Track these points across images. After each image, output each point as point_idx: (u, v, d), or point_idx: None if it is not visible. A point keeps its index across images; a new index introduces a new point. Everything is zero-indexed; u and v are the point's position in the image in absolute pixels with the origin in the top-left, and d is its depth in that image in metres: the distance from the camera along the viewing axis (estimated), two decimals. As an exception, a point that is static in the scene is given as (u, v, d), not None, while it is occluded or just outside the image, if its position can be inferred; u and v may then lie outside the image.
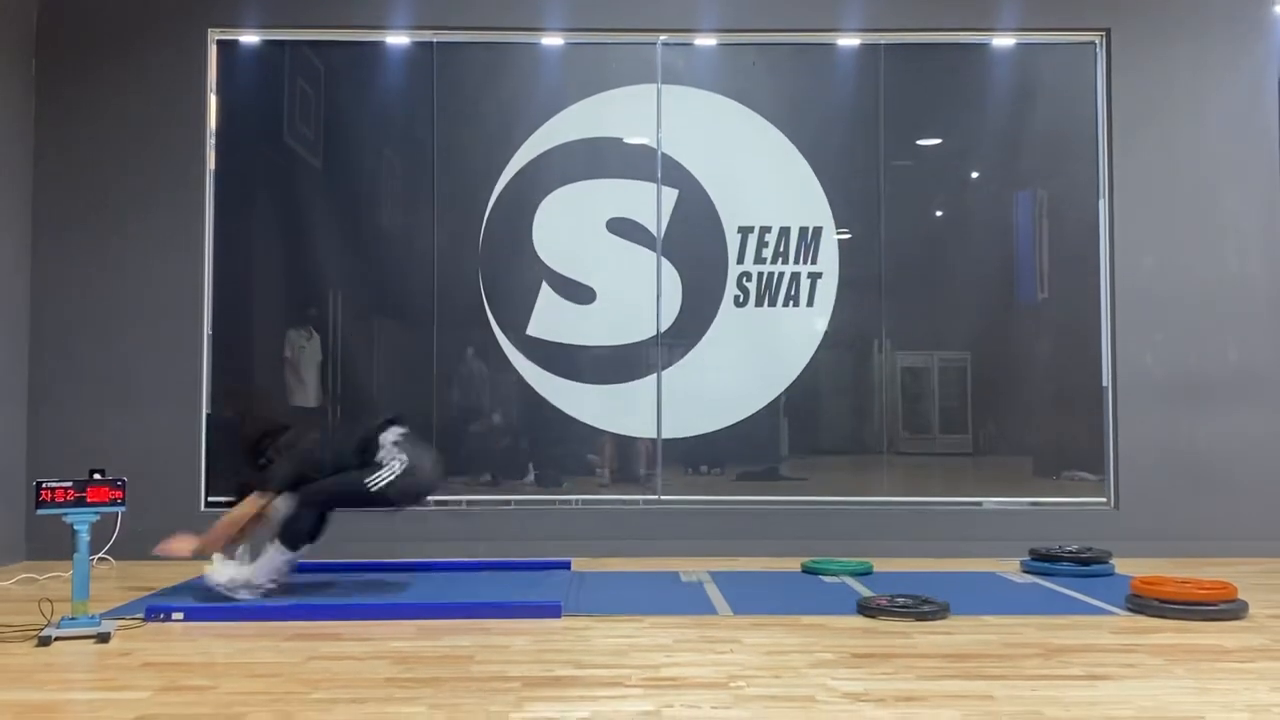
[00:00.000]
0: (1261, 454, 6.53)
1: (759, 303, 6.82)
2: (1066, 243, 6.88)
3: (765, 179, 6.86)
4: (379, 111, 6.82)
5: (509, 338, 6.78)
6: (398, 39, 6.76)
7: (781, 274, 6.82)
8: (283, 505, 4.93)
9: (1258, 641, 4.15)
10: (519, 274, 6.80)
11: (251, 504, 4.91)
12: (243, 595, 4.83)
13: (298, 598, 4.93)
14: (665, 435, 6.77)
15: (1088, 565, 5.71)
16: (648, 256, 6.80)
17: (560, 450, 6.86)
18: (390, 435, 5.09)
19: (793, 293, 6.82)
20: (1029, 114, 6.91)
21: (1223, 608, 4.56)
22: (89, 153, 6.46)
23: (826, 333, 6.82)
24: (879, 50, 6.84)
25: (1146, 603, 4.65)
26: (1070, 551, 5.85)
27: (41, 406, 6.33)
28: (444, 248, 6.78)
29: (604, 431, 6.81)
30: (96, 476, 4.36)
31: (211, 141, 6.64)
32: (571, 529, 6.49)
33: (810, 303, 6.82)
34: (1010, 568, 5.94)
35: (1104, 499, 6.67)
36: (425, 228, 6.79)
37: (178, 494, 6.20)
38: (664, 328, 6.79)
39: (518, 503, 6.73)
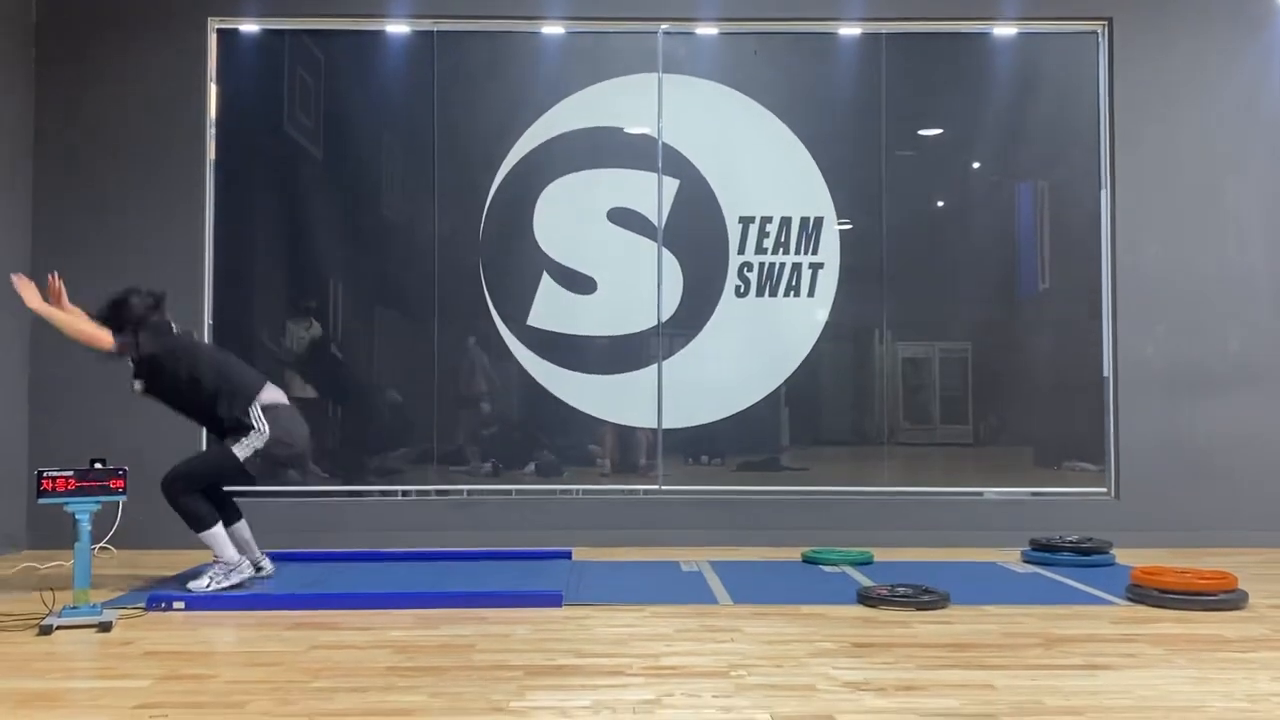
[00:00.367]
0: (1262, 444, 6.54)
1: (760, 293, 6.81)
2: (1068, 233, 6.87)
3: (766, 169, 6.85)
4: (379, 101, 6.81)
5: (510, 328, 6.77)
6: (398, 28, 6.75)
7: (782, 264, 6.81)
8: (136, 382, 4.91)
9: (1258, 631, 4.16)
10: (520, 264, 6.79)
11: (103, 337, 4.77)
12: (235, 578, 4.86)
13: (298, 588, 4.94)
14: (666, 425, 6.77)
15: (1088, 555, 5.71)
16: (648, 246, 6.79)
17: (561, 440, 6.86)
18: (265, 397, 5.00)
19: (794, 283, 6.81)
20: (1031, 104, 6.89)
21: (1223, 598, 4.56)
22: (89, 142, 6.45)
23: (827, 323, 6.81)
24: (880, 40, 6.83)
25: (1147, 592, 4.65)
26: (1071, 541, 5.85)
27: (43, 396, 6.33)
28: (445, 237, 6.77)
29: (605, 421, 6.81)
30: (97, 466, 4.37)
31: (212, 131, 6.63)
32: (572, 519, 6.50)
33: (811, 293, 6.82)
34: (1011, 558, 5.94)
35: (1104, 489, 6.68)
36: (426, 217, 6.78)
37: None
38: (665, 318, 6.78)
39: (518, 492, 6.73)
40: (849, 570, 5.53)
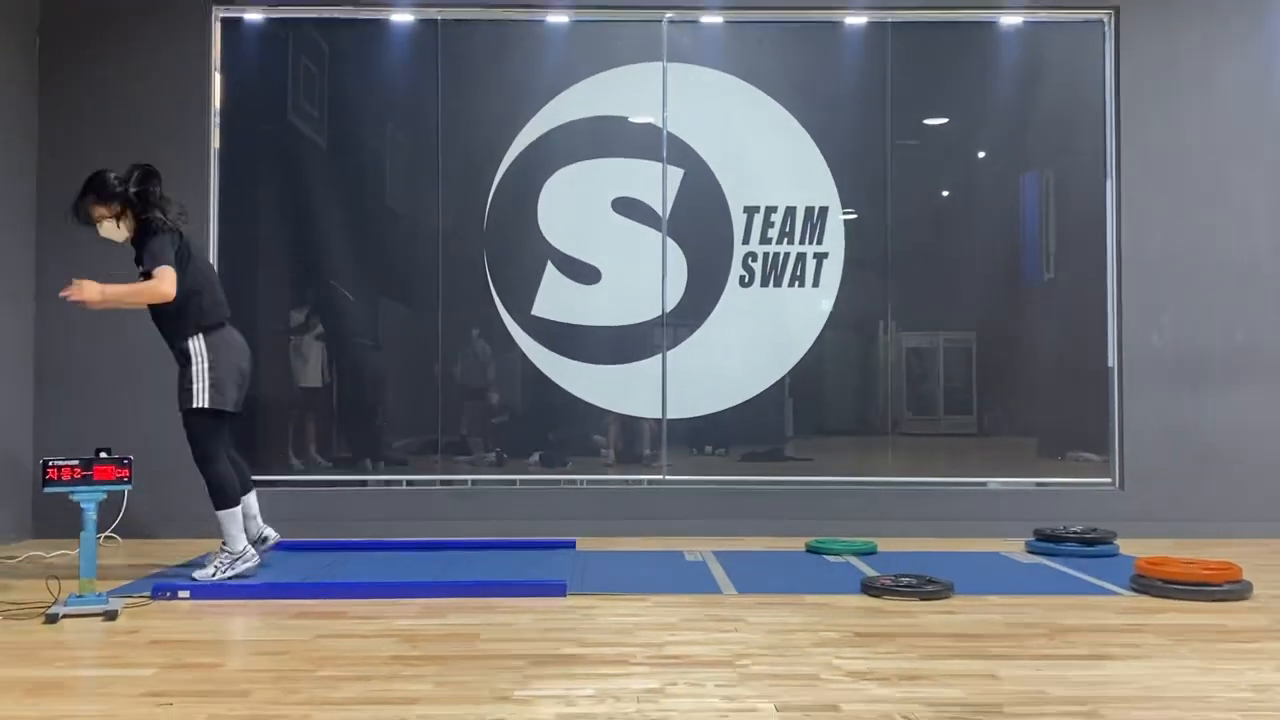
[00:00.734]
0: (1267, 435, 6.53)
1: (764, 283, 6.80)
2: (1073, 223, 6.85)
3: (771, 158, 6.84)
4: (384, 90, 6.80)
5: (514, 317, 6.77)
6: (402, 16, 6.73)
7: (787, 254, 6.80)
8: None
9: (1262, 622, 4.15)
10: (524, 253, 6.79)
11: (159, 289, 4.67)
12: (240, 568, 4.86)
13: (303, 577, 4.95)
14: (670, 415, 6.77)
15: (1092, 545, 5.71)
16: (653, 236, 6.78)
17: (565, 430, 6.86)
18: (211, 338, 4.88)
19: (798, 273, 6.80)
20: (1036, 93, 6.86)
21: (1227, 588, 4.56)
22: (93, 132, 6.44)
23: (832, 313, 6.80)
24: (886, 28, 6.80)
25: (1151, 583, 4.65)
26: (1075, 532, 5.85)
27: (48, 385, 6.34)
28: (449, 227, 6.77)
29: (609, 411, 6.81)
30: (103, 455, 4.37)
31: (216, 120, 6.63)
32: (576, 508, 6.51)
33: (816, 283, 6.81)
34: (1015, 548, 5.94)
35: (1109, 479, 6.67)
36: (430, 207, 6.77)
37: (183, 472, 6.19)
38: (669, 308, 6.78)
39: (523, 482, 6.74)
40: (853, 560, 5.54)
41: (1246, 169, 6.63)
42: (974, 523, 6.42)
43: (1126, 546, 5.75)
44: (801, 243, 6.80)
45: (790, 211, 6.80)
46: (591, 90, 6.81)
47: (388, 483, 6.71)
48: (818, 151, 6.81)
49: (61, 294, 4.71)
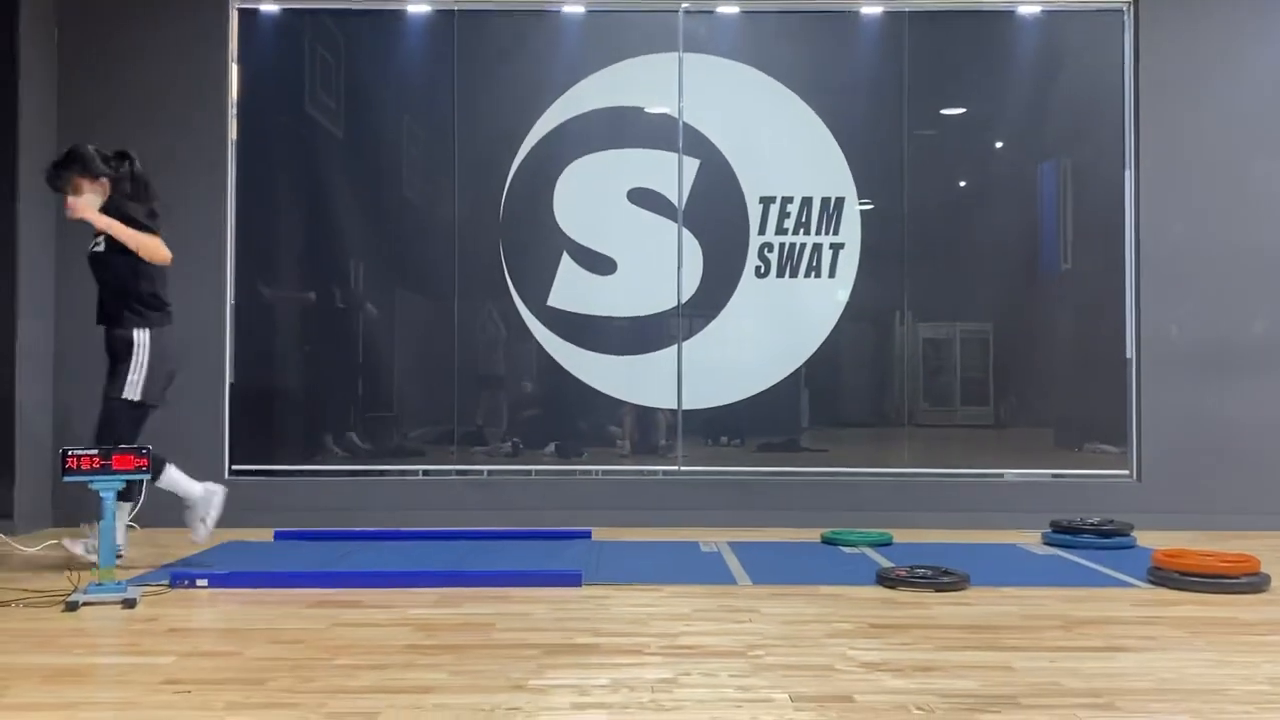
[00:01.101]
0: (1287, 427, 6.48)
1: (780, 274, 6.79)
2: (1091, 213, 6.81)
3: (787, 148, 6.82)
4: (400, 81, 6.81)
5: (529, 308, 6.78)
6: (418, 7, 6.74)
7: (803, 244, 6.79)
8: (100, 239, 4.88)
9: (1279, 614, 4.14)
10: (540, 244, 6.79)
11: (155, 247, 4.86)
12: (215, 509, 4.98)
13: (319, 566, 4.98)
14: (686, 406, 6.77)
15: (1109, 537, 5.68)
16: (669, 227, 6.78)
17: (581, 421, 6.88)
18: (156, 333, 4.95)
19: (814, 263, 6.79)
20: (1055, 82, 6.82)
21: (1245, 581, 4.53)
22: (111, 124, 6.45)
23: (848, 304, 6.79)
24: (903, 18, 6.77)
25: (1168, 575, 4.63)
26: (1092, 524, 5.82)
27: (68, 375, 6.37)
28: (465, 218, 6.78)
29: (624, 402, 6.81)
30: (121, 445, 4.40)
31: (233, 111, 6.65)
32: (592, 499, 6.52)
33: (832, 274, 6.79)
34: (1031, 539, 5.92)
35: (1126, 471, 6.64)
36: (446, 197, 6.78)
37: (202, 461, 6.24)
38: (685, 298, 6.78)
39: (538, 473, 6.76)
40: (868, 551, 5.53)
41: (1268, 159, 6.57)
42: (990, 514, 6.40)
43: (1144, 539, 5.73)
44: (818, 233, 6.78)
45: (806, 202, 6.79)
46: (607, 81, 6.80)
47: (403, 473, 6.73)
48: (834, 142, 6.79)
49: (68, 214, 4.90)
